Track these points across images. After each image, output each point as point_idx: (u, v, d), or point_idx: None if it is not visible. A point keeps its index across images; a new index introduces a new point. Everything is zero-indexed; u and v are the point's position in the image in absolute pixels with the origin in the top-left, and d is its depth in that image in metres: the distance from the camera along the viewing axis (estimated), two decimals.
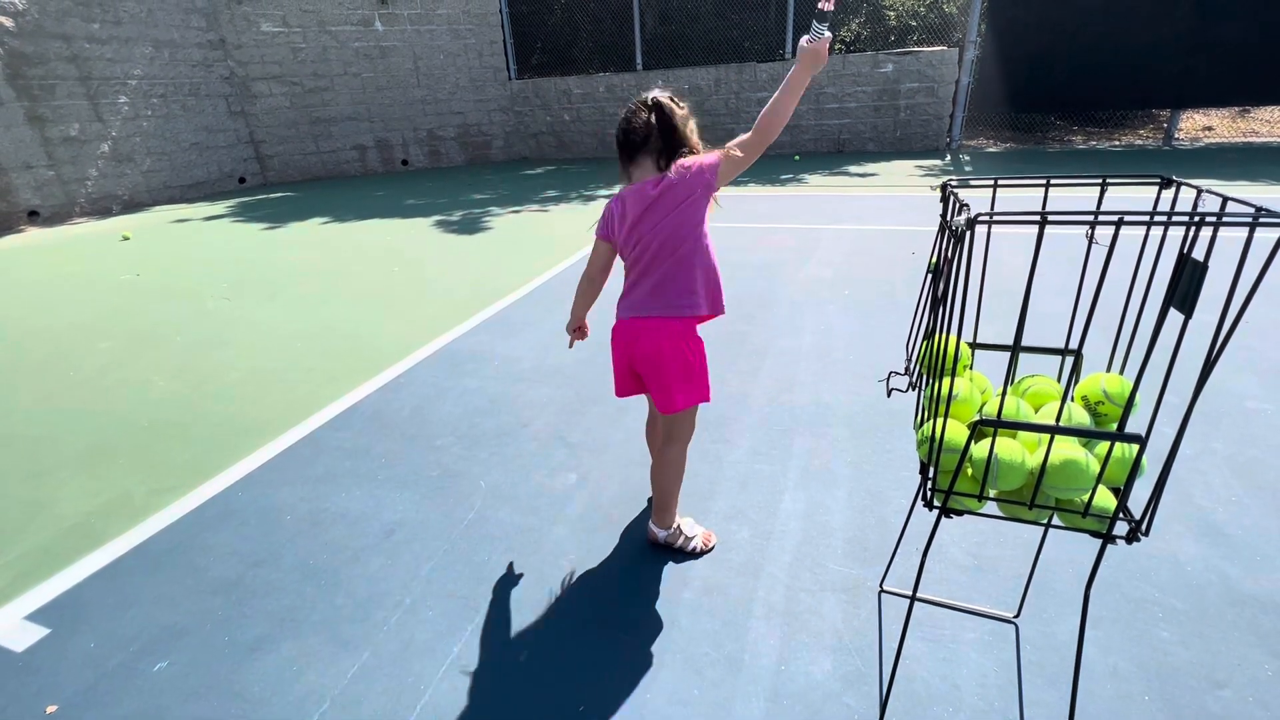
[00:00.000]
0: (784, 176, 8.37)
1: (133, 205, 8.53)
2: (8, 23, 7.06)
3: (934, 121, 9.78)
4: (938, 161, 8.82)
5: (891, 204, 6.34)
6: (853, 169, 8.64)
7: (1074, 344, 1.15)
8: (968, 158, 9.01)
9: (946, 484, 1.03)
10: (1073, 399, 1.06)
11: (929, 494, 1.07)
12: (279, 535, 1.97)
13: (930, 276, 1.11)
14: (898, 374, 1.23)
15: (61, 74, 7.61)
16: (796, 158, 10.02)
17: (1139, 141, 9.59)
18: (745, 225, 5.81)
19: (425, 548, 1.88)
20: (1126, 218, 0.78)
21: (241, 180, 10.11)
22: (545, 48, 12.23)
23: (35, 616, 1.69)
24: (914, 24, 10.42)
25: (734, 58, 10.54)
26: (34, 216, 7.46)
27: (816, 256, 4.65)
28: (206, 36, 9.32)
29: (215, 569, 1.84)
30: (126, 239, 6.56)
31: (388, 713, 1.38)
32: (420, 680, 1.45)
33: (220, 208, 8.34)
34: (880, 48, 10.27)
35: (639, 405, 2.62)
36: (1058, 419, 0.92)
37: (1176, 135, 9.25)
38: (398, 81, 10.83)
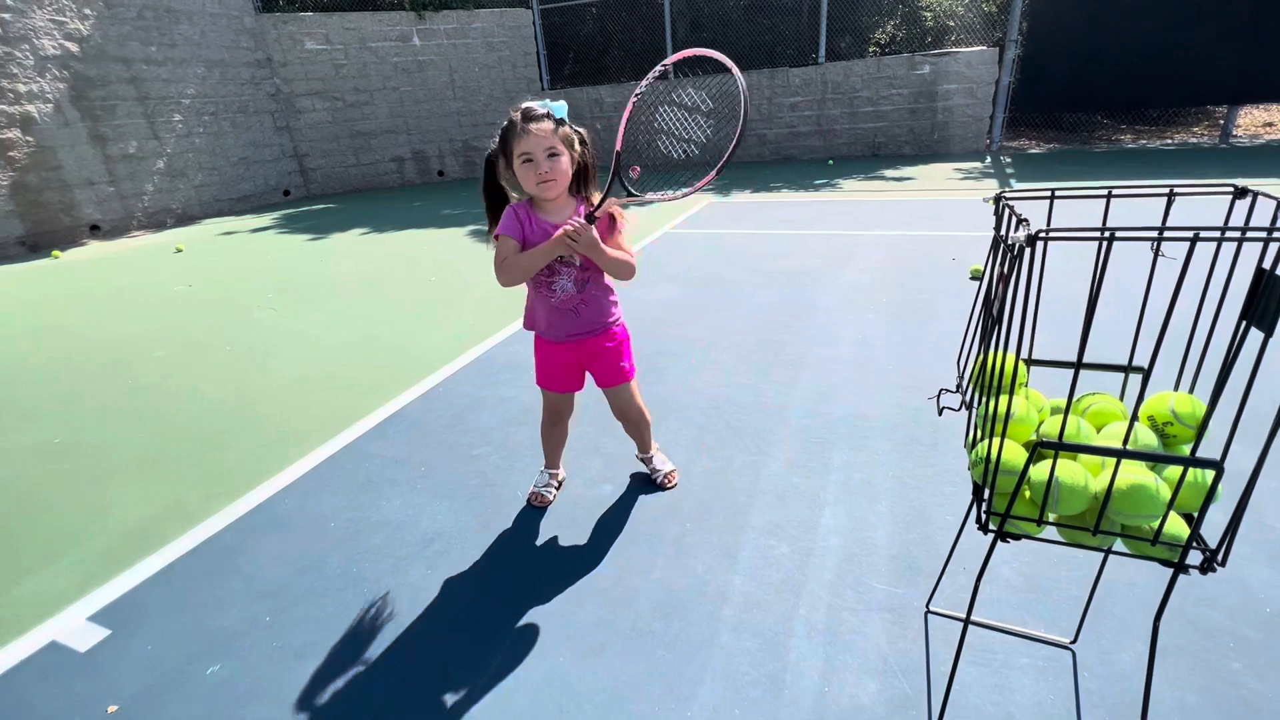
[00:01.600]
0: (818, 181, 8.28)
1: (185, 218, 8.91)
2: (73, 48, 7.47)
3: (973, 123, 9.56)
4: (977, 164, 8.60)
5: (930, 209, 6.20)
6: (889, 173, 8.50)
7: (1137, 360, 1.10)
8: (1009, 159, 8.76)
9: (1003, 506, 0.99)
10: (1138, 419, 1.01)
11: (983, 516, 1.03)
12: (323, 542, 2.01)
13: (983, 291, 1.08)
14: (949, 391, 1.19)
15: (121, 95, 8.01)
16: (830, 162, 9.90)
17: (1193, 139, 9.20)
18: (779, 232, 5.76)
19: (464, 557, 1.90)
20: (1202, 234, 0.74)
21: (286, 193, 10.47)
22: (577, 57, 12.38)
23: (97, 618, 1.77)
24: (952, 24, 10.21)
25: (766, 63, 10.49)
26: (95, 230, 7.86)
27: (853, 263, 4.57)
28: (254, 56, 9.71)
29: (263, 574, 1.89)
30: (180, 251, 6.85)
31: None
32: (460, 691, 1.46)
33: (266, 219, 8.65)
34: (917, 49, 10.09)
35: (675, 416, 2.61)
36: (1125, 441, 0.88)
37: (1234, 132, 8.84)
38: (434, 94, 11.09)
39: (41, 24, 7.14)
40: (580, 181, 1.77)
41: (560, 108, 1.66)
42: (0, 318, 4.76)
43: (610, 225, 1.75)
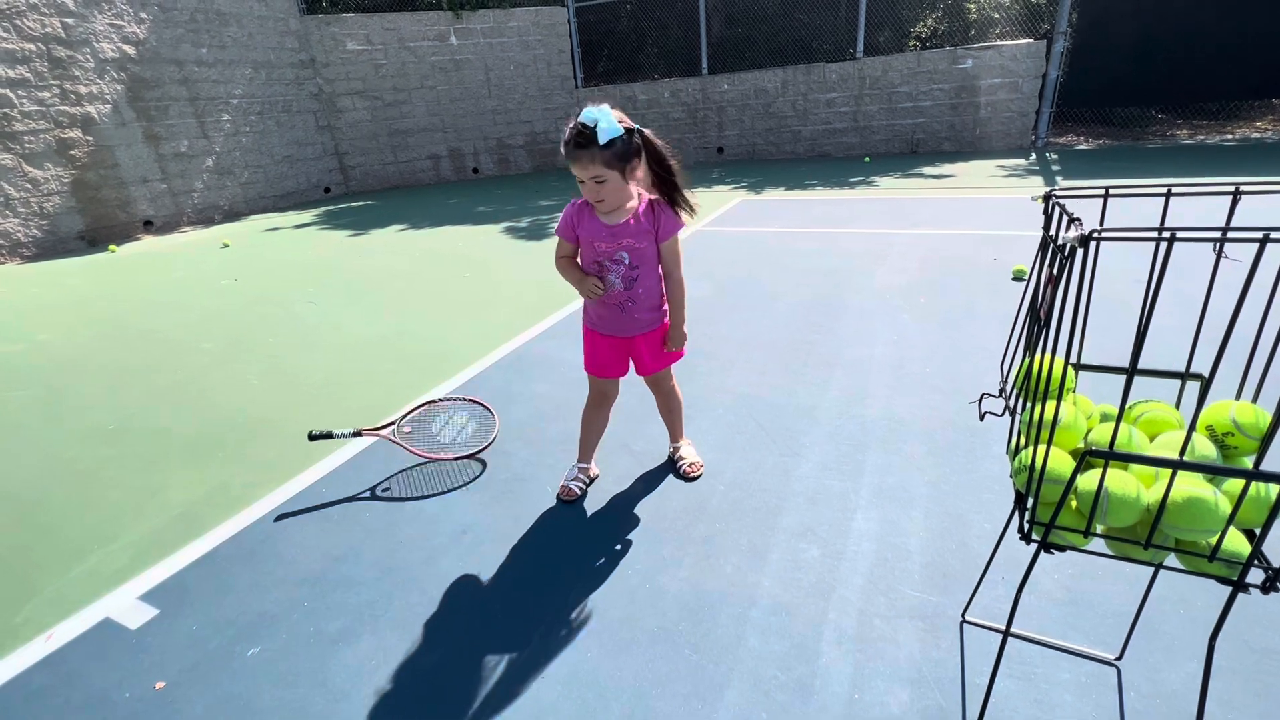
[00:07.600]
0: (853, 179, 8.13)
1: (232, 214, 9.22)
2: (130, 51, 7.80)
3: (1017, 119, 9.25)
4: (1022, 161, 8.33)
5: (970, 207, 6.03)
6: (927, 170, 8.29)
7: (1195, 366, 1.05)
8: (1055, 156, 8.46)
9: (1047, 516, 0.95)
10: (1195, 429, 0.96)
11: (1026, 526, 0.99)
12: (359, 532, 2.06)
13: (1029, 294, 1.04)
14: (991, 396, 1.16)
15: (174, 95, 8.33)
16: (867, 159, 9.71)
17: (1256, 134, 8.74)
18: (813, 230, 5.68)
19: (494, 550, 1.92)
20: (1272, 235, 0.70)
21: (327, 190, 10.75)
22: (611, 55, 12.40)
23: (147, 597, 1.84)
24: (996, 16, 9.91)
25: (802, 58, 10.34)
26: (149, 225, 8.20)
27: (889, 262, 4.47)
28: (298, 56, 9.98)
29: (302, 561, 1.95)
30: (226, 246, 7.10)
31: (461, 711, 1.41)
32: (489, 682, 1.48)
33: (308, 216, 8.90)
34: (959, 43, 9.82)
35: (705, 415, 2.59)
36: (1182, 451, 0.84)
37: None
38: (470, 93, 11.24)
39: (101, 28, 7.47)
40: (662, 183, 1.76)
41: (608, 130, 1.60)
42: (61, 309, 5.00)
43: (654, 218, 1.80)
